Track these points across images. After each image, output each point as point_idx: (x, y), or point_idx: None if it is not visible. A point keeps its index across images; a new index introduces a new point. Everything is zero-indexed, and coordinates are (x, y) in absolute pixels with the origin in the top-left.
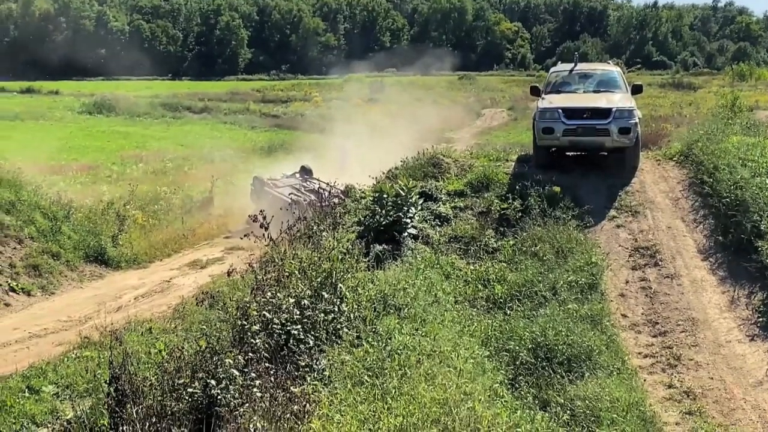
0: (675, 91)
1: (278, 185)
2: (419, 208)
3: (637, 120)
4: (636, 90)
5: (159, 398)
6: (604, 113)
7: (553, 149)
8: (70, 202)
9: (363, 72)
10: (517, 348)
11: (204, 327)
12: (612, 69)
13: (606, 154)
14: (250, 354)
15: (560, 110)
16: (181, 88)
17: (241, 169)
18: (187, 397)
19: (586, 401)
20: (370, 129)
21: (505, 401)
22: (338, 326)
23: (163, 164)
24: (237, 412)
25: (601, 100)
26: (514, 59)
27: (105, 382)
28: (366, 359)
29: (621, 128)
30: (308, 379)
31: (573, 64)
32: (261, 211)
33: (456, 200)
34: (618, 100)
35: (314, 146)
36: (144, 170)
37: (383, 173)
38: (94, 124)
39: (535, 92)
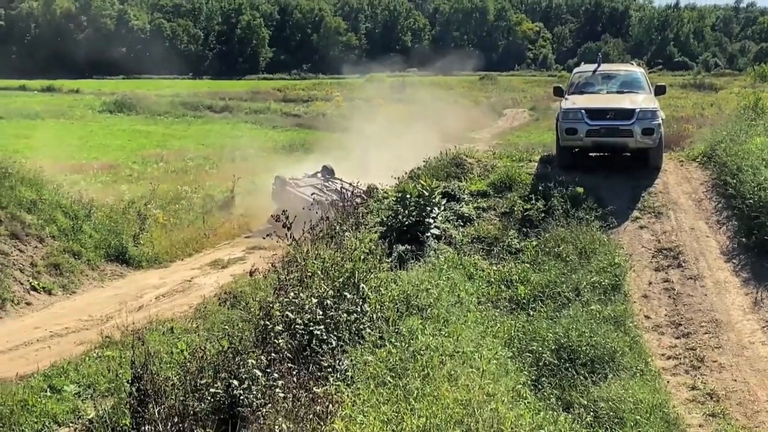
0: (697, 92)
1: (300, 185)
2: (442, 208)
3: (661, 121)
4: (659, 91)
5: (181, 398)
6: (627, 114)
7: (576, 150)
8: (91, 201)
9: (384, 72)
10: (540, 349)
11: (226, 327)
12: (635, 70)
13: (629, 155)
14: (273, 354)
15: (584, 111)
16: (201, 87)
17: (262, 169)
18: (209, 398)
19: (610, 403)
20: (392, 129)
21: (528, 402)
22: (361, 327)
23: (183, 163)
24: (260, 413)
25: (624, 101)
26: (535, 59)
27: (127, 381)
28: (389, 360)
29: (644, 129)
30: (331, 379)
31: (596, 65)
32: (283, 211)
33: (479, 201)
34: (641, 101)
35: (336, 146)
36: (165, 169)
37: (406, 173)
38: (115, 123)
39: (558, 93)
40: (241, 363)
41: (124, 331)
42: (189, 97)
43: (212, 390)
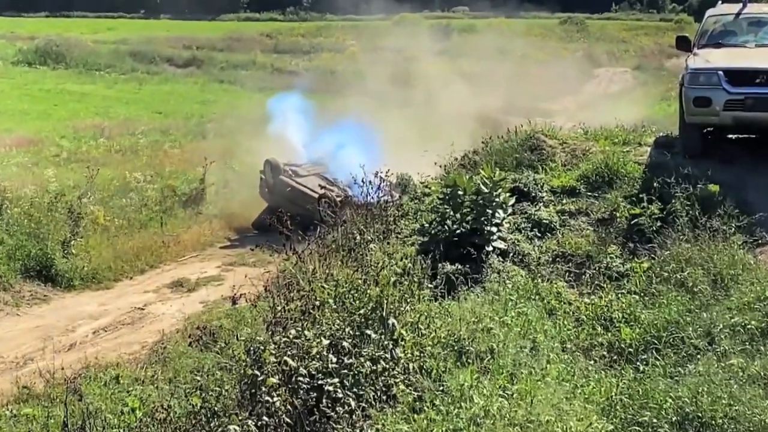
0: None
1: (301, 173)
2: (510, 211)
3: None
4: None
5: None
6: None
7: (710, 129)
8: (2, 191)
9: (421, 12)
10: (656, 421)
11: (197, 377)
12: None
13: None
14: (265, 419)
15: (721, 72)
16: (158, 30)
17: (245, 150)
18: None
19: None
20: (431, 94)
21: None
22: (391, 381)
23: (133, 140)
24: None
25: None
26: None
27: None
28: (431, 431)
29: None
30: None
31: (741, 5)
32: (278, 210)
33: (564, 201)
34: None
35: (350, 117)
36: (106, 148)
37: (455, 159)
38: (36, 80)
39: (684, 45)
40: (221, 430)
41: (49, 379)
42: (140, 44)
43: None
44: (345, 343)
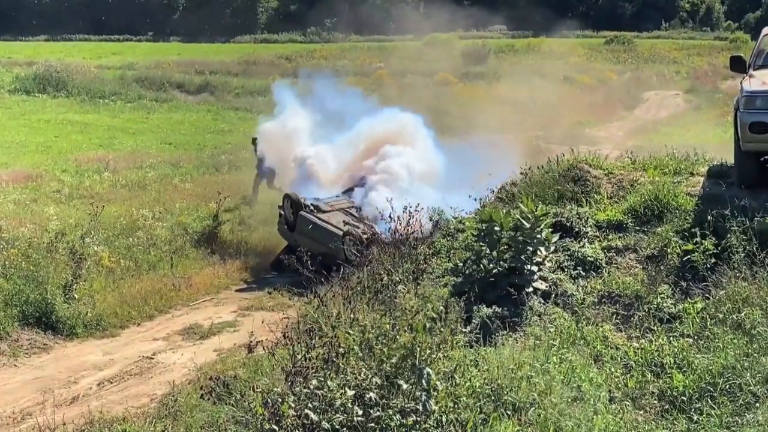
0: None
1: (324, 209)
2: (552, 248)
3: None
4: None
5: None
6: None
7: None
8: None
9: (453, 31)
10: None
11: None
12: None
13: None
14: None
15: None
16: (167, 54)
17: (263, 184)
18: None
19: None
20: (467, 120)
21: None
22: None
23: (141, 173)
24: None
25: None
26: (693, 13)
27: None
28: None
29: None
30: None
31: None
32: (298, 249)
33: (610, 237)
34: None
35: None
36: (111, 182)
37: (492, 191)
38: (34, 110)
39: (739, 66)
40: None
41: None
42: (148, 69)
43: None
44: (372, 394)
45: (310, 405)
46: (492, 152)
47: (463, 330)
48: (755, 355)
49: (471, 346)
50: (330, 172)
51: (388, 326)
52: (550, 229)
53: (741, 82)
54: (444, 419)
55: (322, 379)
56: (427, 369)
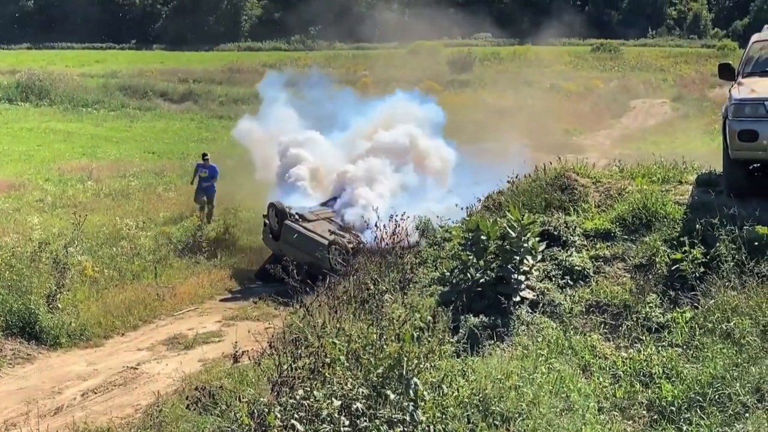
0: None
1: (309, 218)
2: (539, 257)
3: None
4: None
5: None
6: None
7: (756, 166)
8: None
9: (439, 38)
10: None
11: None
12: None
13: None
14: None
15: None
16: (151, 62)
17: (247, 192)
18: None
19: None
20: (452, 129)
21: None
22: None
23: (124, 182)
24: None
25: None
26: (680, 20)
27: None
28: None
29: None
30: None
31: None
32: (283, 258)
33: (598, 245)
34: None
35: None
36: (95, 191)
37: (478, 200)
38: (17, 118)
39: (727, 73)
40: None
41: None
42: (131, 77)
43: None
44: (359, 405)
45: (296, 415)
46: (478, 161)
47: (451, 340)
48: (744, 364)
49: (458, 356)
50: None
51: (374, 336)
52: (538, 238)
53: (729, 90)
54: (431, 430)
55: (309, 390)
56: (415, 379)
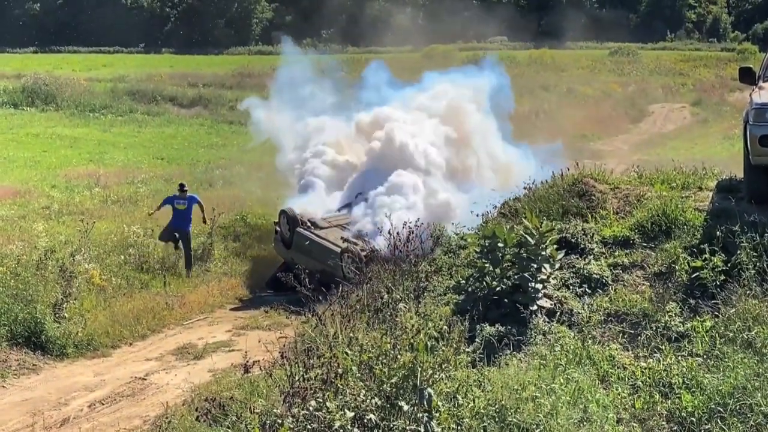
0: None
1: (321, 225)
2: (557, 265)
3: None
4: None
5: None
6: None
7: None
8: None
9: (453, 42)
10: None
11: None
12: None
13: None
14: None
15: None
16: (160, 67)
17: (258, 199)
18: None
19: None
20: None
21: None
22: None
23: (132, 189)
24: None
25: None
26: (699, 24)
27: None
28: None
29: None
30: None
31: None
32: (295, 266)
33: (616, 253)
34: None
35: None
36: (102, 198)
37: (494, 207)
38: (23, 124)
39: (747, 77)
40: None
41: None
42: (140, 82)
43: None
44: (372, 416)
45: (308, 427)
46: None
47: (466, 349)
48: (766, 374)
49: (474, 366)
50: None
51: (388, 345)
52: (555, 246)
53: (750, 94)
54: None
55: (321, 401)
56: (429, 389)
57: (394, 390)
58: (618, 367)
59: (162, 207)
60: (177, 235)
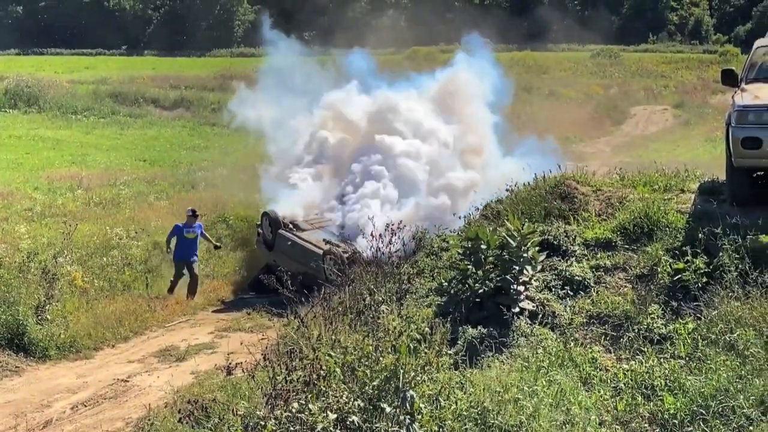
0: None
1: (303, 227)
2: (539, 267)
3: None
4: None
5: None
6: None
7: (760, 174)
8: None
9: (435, 44)
10: None
11: None
12: None
13: None
14: None
15: None
16: (142, 68)
17: (241, 202)
18: None
19: None
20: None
21: None
22: None
23: (115, 191)
24: None
25: None
26: (682, 26)
27: None
28: None
29: None
30: None
31: None
32: (277, 268)
33: (599, 255)
34: None
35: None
36: (84, 200)
37: (477, 209)
38: (5, 126)
39: (730, 79)
40: None
41: None
42: (122, 84)
43: None
44: (354, 418)
45: (291, 429)
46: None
47: (448, 351)
48: (748, 376)
49: (456, 368)
50: None
51: (370, 348)
52: (537, 248)
53: (732, 97)
54: None
55: (304, 403)
56: (411, 392)
57: (376, 392)
58: (600, 369)
59: (171, 238)
60: (185, 267)
